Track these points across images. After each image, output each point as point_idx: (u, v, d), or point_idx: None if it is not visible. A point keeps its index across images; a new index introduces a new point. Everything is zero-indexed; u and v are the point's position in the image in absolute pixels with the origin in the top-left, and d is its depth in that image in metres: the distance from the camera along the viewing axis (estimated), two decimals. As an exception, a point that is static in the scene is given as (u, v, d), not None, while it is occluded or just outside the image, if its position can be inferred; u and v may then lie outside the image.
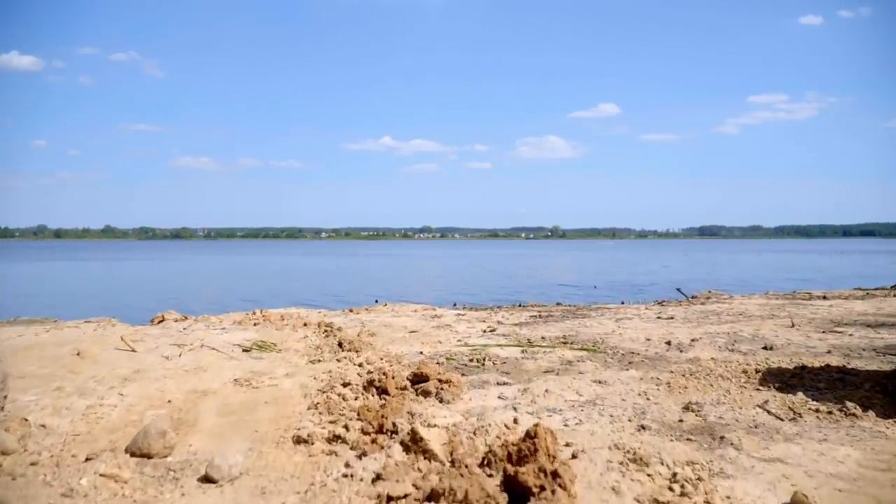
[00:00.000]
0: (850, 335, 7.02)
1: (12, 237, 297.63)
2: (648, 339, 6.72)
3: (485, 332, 7.11)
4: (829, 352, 6.04)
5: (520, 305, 10.34)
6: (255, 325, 7.00)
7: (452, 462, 2.84)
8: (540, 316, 8.52)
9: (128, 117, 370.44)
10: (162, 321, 7.56)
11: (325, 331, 6.59)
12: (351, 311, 8.86)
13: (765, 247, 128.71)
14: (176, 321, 7.53)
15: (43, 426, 3.37)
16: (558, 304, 10.23)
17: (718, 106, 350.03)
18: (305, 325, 6.98)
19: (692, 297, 10.74)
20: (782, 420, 3.82)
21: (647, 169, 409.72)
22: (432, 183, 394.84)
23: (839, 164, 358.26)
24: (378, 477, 2.75)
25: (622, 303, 11.06)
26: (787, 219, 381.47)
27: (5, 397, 3.50)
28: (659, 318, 8.16)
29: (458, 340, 6.56)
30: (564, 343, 6.46)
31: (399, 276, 35.48)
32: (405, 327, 7.42)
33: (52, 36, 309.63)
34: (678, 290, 11.83)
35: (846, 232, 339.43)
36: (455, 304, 9.61)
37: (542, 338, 6.74)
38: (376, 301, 9.98)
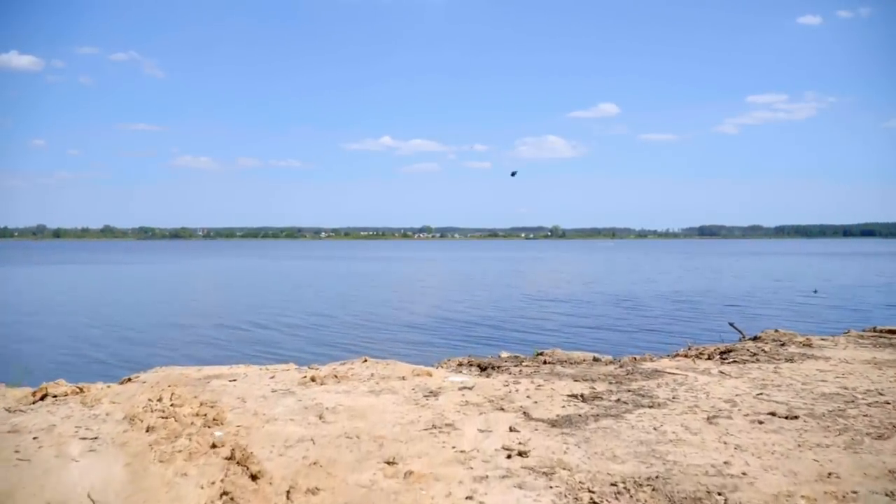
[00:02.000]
0: None
1: (11, 237, 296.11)
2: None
3: (510, 453, 4.22)
4: None
5: (540, 355, 7.59)
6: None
7: None
8: (583, 398, 5.43)
9: (127, 117, 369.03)
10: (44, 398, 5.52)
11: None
12: (313, 378, 5.72)
13: (765, 248, 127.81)
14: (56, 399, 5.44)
15: None
16: (595, 358, 7.13)
17: (718, 106, 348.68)
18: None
19: (755, 338, 8.39)
20: None
21: (647, 169, 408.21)
22: (432, 182, 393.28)
23: (839, 163, 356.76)
24: None
25: (675, 354, 7.73)
26: (787, 219, 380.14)
27: None
28: (773, 415, 5.11)
29: (472, 480, 3.86)
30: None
31: (395, 290, 34.19)
32: (380, 441, 4.45)
33: (51, 36, 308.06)
34: (731, 325, 9.31)
35: (846, 232, 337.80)
36: (460, 364, 6.13)
37: (614, 486, 3.77)
38: (359, 360, 5.72)
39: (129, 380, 6.03)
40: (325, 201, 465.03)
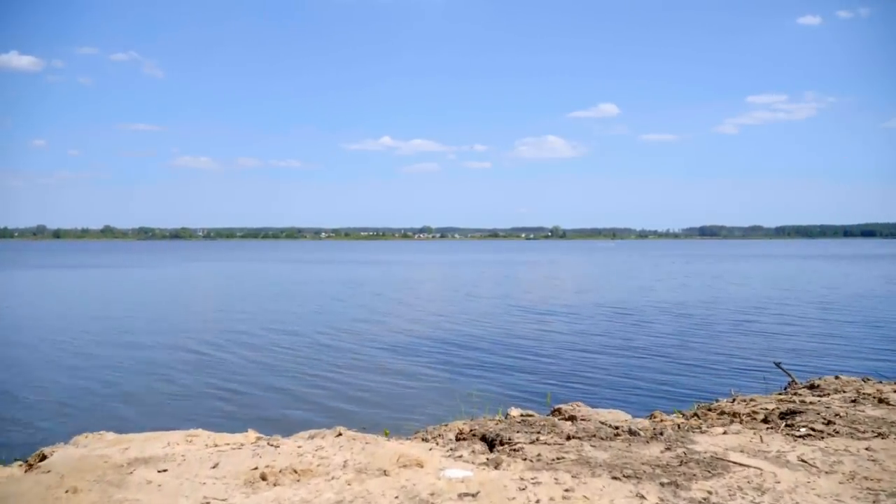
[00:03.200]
0: None
1: (11, 237, 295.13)
2: None
3: None
4: None
5: (557, 413, 6.00)
6: None
7: None
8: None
9: (127, 117, 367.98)
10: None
11: None
12: (263, 477, 4.06)
13: (767, 250, 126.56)
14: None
15: None
16: (632, 431, 4.52)
17: (717, 106, 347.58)
18: None
19: (811, 386, 6.93)
20: None
21: (647, 169, 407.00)
22: (432, 183, 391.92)
23: (839, 164, 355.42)
24: None
25: (720, 410, 5.99)
26: (787, 219, 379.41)
27: None
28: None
29: None
30: None
31: (383, 302, 30.62)
32: None
33: (51, 36, 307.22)
34: (778, 365, 7.73)
35: (847, 232, 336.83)
36: (459, 435, 4.49)
37: None
38: (331, 434, 4.10)
39: (31, 466, 4.64)
40: (325, 201, 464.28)
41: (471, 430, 5.60)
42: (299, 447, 4.88)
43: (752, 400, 6.90)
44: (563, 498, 3.81)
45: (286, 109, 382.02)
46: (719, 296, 32.05)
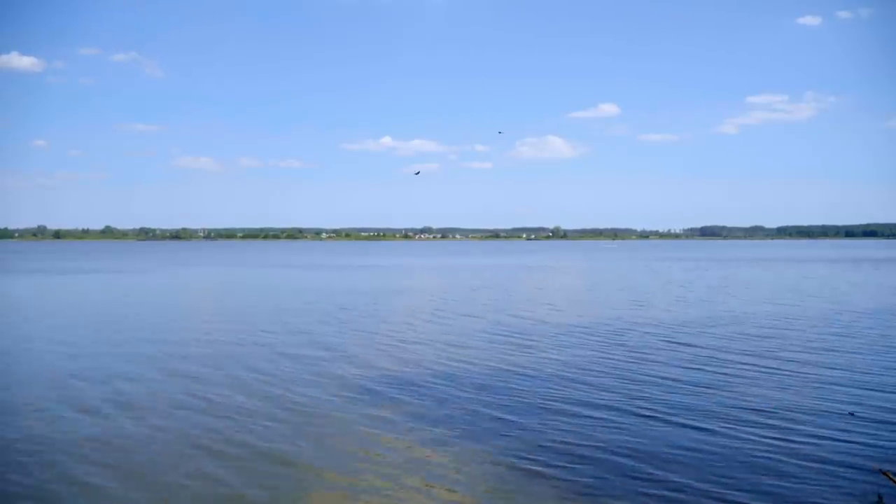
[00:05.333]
0: None
1: (12, 238, 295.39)
2: None
3: None
4: None
5: None
6: None
7: None
8: None
9: (128, 117, 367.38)
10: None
11: None
12: None
13: (769, 252, 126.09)
14: None
15: None
16: None
17: (717, 106, 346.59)
18: None
19: None
20: None
21: (648, 169, 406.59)
22: (433, 183, 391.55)
23: (839, 163, 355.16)
24: None
25: None
26: (788, 219, 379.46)
27: None
28: None
29: None
30: None
31: (356, 318, 27.04)
32: None
33: (52, 36, 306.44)
34: (884, 473, 7.45)
35: (848, 232, 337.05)
36: None
37: None
38: None
39: None
40: (325, 202, 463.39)
41: None
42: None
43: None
44: None
45: (286, 110, 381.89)
46: (731, 316, 27.49)
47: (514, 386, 15.02)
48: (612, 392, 14.40)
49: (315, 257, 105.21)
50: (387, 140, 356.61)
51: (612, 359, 18.21)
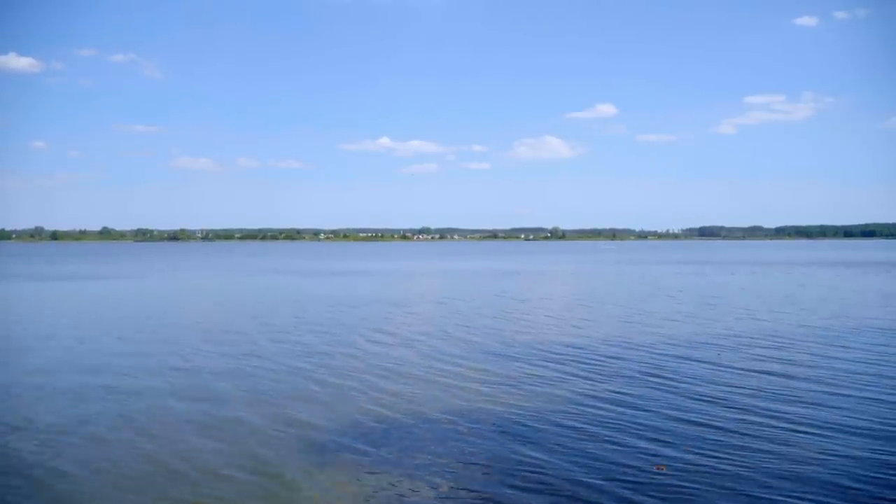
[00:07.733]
0: None
1: (9, 239, 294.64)
2: None
3: None
4: None
5: None
6: None
7: None
8: None
9: (126, 118, 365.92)
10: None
11: None
12: None
13: (769, 254, 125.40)
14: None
15: None
16: None
17: (716, 106, 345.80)
18: None
19: None
20: None
21: (646, 169, 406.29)
22: (431, 183, 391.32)
23: (838, 164, 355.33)
24: None
25: None
26: (787, 219, 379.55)
27: None
28: None
29: None
30: None
31: (329, 342, 25.27)
32: None
33: (50, 37, 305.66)
34: None
35: (847, 233, 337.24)
36: None
37: None
38: None
39: None
40: (324, 202, 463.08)
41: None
42: None
43: None
44: None
45: (285, 110, 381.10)
46: (744, 339, 21.83)
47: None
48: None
49: (310, 262, 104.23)
50: (385, 140, 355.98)
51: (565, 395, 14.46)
